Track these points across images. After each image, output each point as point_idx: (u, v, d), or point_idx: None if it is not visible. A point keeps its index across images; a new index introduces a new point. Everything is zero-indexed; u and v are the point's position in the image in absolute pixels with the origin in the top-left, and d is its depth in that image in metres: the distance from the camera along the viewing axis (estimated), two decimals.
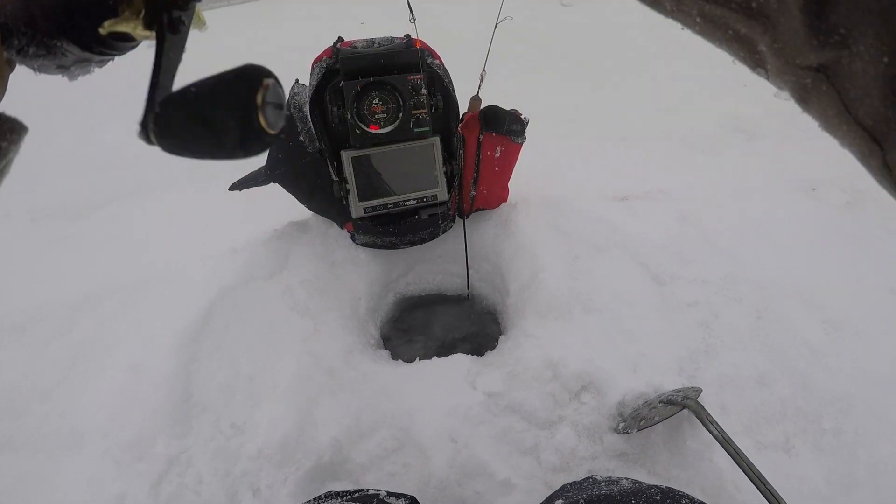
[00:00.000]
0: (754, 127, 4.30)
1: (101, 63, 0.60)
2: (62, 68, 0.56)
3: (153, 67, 0.30)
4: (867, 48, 0.24)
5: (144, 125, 0.28)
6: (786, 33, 0.27)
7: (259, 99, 0.32)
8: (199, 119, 0.31)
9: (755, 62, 0.31)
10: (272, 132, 0.33)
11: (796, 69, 0.29)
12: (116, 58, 0.58)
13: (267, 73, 0.34)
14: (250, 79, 0.33)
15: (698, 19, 0.30)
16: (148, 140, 0.28)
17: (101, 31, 0.35)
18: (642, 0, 0.34)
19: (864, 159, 0.28)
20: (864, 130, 0.27)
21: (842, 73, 0.26)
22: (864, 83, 0.25)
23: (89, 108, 7.35)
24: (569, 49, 6.75)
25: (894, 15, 0.22)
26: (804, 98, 0.30)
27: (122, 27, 0.34)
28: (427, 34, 2.08)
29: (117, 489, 1.69)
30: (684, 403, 1.60)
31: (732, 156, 3.62)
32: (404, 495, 1.27)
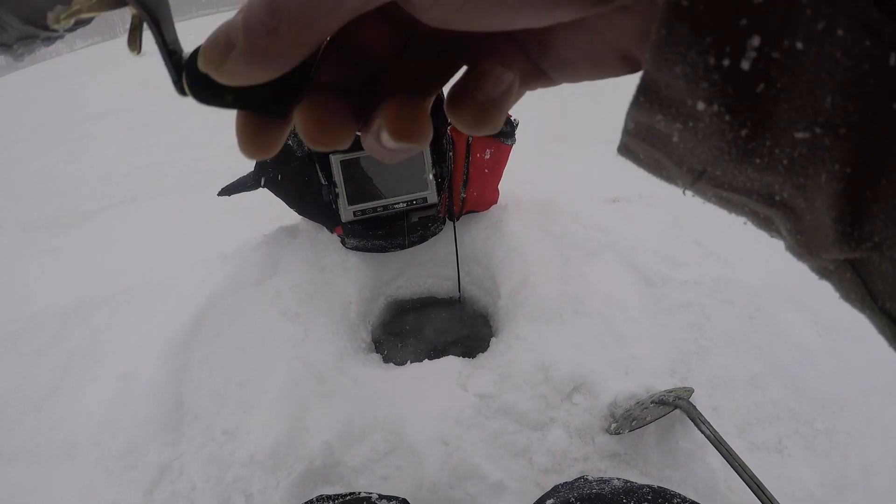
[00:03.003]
0: None
1: (48, 41, 0.56)
2: (4, 46, 0.52)
3: (154, 33, 0.28)
4: None
5: (178, 83, 0.27)
6: (811, 231, 0.25)
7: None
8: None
9: (771, 231, 0.30)
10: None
11: (819, 258, 0.27)
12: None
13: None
14: None
15: (713, 199, 0.29)
16: (183, 93, 0.28)
17: (56, 25, 0.32)
18: (654, 175, 0.31)
19: (889, 340, 0.27)
20: (890, 319, 0.25)
21: (870, 268, 0.25)
22: (895, 283, 0.23)
23: (79, 123, 7.36)
24: None
25: None
26: (824, 276, 0.29)
27: (84, 13, 0.30)
28: None
29: (110, 498, 1.69)
30: (676, 404, 1.60)
31: None
32: (396, 498, 1.27)
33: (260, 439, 1.70)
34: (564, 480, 1.38)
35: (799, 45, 0.21)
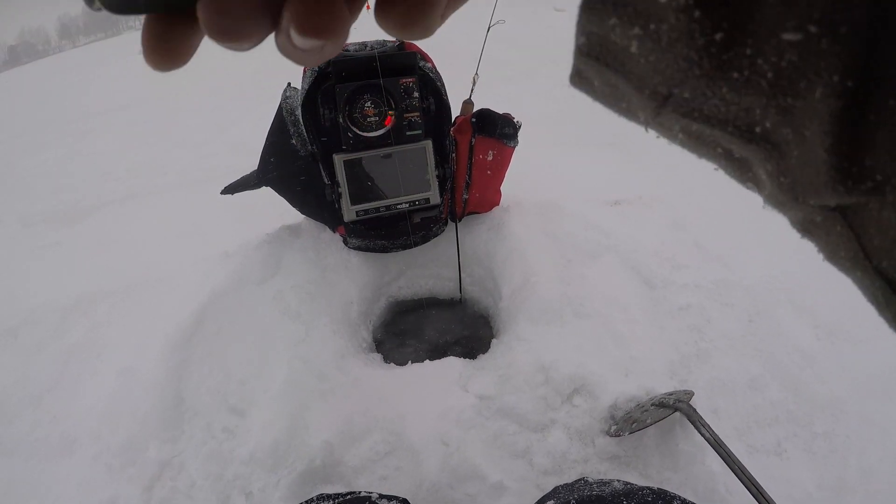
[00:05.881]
0: None
1: None
2: None
3: None
4: None
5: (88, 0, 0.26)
6: (799, 169, 0.22)
7: None
8: None
9: (746, 179, 0.25)
10: None
11: (805, 206, 0.23)
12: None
13: None
14: None
15: (680, 135, 0.24)
16: (95, 8, 0.26)
17: None
18: (612, 108, 0.27)
19: (880, 307, 0.24)
20: (884, 280, 0.23)
21: (866, 218, 0.22)
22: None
23: (82, 119, 7.36)
24: (562, 54, 6.76)
25: None
26: (808, 231, 0.26)
27: None
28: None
29: (109, 494, 1.69)
30: (676, 406, 1.60)
31: None
32: (396, 497, 1.27)
33: (260, 437, 1.70)
34: (564, 482, 1.38)
35: None
